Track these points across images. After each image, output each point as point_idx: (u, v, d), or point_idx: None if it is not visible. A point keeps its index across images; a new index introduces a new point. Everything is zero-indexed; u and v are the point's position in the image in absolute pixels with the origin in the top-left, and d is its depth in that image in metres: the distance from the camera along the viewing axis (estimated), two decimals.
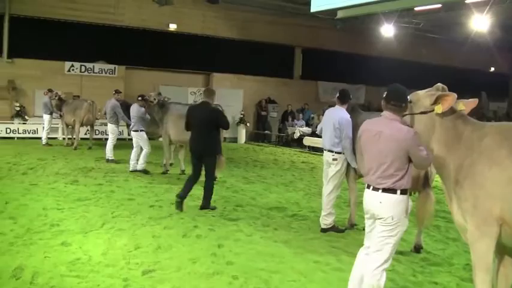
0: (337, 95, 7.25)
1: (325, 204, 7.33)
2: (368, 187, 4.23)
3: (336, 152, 7.17)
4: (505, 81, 31.86)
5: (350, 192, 7.72)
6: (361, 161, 4.41)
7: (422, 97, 4.19)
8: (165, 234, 6.78)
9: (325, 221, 7.37)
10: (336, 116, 7.11)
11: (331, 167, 7.26)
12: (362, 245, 4.45)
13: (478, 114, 4.81)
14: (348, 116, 7.09)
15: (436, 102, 4.06)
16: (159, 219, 7.58)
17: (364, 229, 7.29)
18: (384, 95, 4.18)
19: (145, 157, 12.02)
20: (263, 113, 24.31)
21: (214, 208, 8.44)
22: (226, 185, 10.95)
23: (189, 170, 12.29)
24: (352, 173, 7.49)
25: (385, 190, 4.08)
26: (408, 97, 4.15)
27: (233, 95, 23.28)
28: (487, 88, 28.13)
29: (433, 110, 4.07)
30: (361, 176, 7.32)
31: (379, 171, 4.11)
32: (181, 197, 8.25)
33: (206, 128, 8.22)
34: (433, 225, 7.85)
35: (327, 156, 7.27)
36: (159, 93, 12.60)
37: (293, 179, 12.48)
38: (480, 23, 16.63)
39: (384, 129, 4.10)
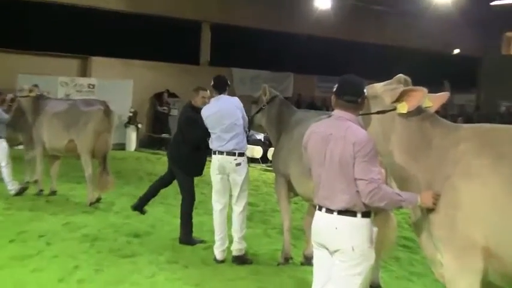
0: (212, 83, 7.87)
1: (239, 224, 7.67)
2: (319, 209, 4.25)
3: (239, 154, 7.60)
4: (472, 67, 31.91)
5: (282, 214, 7.78)
6: (307, 179, 4.45)
7: (380, 92, 4.29)
8: (33, 280, 6.55)
9: (240, 245, 7.69)
10: (229, 106, 7.68)
11: (235, 174, 7.60)
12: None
13: (439, 111, 4.98)
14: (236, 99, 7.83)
15: (399, 99, 4.17)
16: (25, 259, 7.33)
17: (302, 263, 7.53)
18: (335, 89, 4.24)
19: (10, 175, 11.73)
20: (162, 109, 24.27)
21: (196, 242, 8.57)
22: (114, 209, 10.81)
23: (58, 189, 12.16)
24: (283, 189, 7.62)
25: (341, 212, 4.13)
26: (365, 90, 4.24)
27: (119, 86, 23.04)
28: (450, 76, 27.44)
29: (394, 109, 4.18)
30: (296, 194, 7.49)
31: (332, 185, 4.15)
32: (137, 207, 9.15)
33: (177, 137, 8.79)
34: (392, 257, 8.07)
35: (226, 160, 7.58)
36: (36, 85, 12.29)
37: (204, 198, 12.37)
38: None
39: (333, 131, 4.15)
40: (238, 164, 7.55)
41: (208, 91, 8.41)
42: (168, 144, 12.25)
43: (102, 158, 11.24)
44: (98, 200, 11.07)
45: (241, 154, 7.60)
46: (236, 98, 7.85)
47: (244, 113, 7.73)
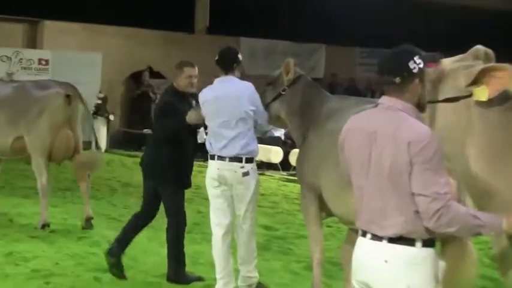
0: (216, 57, 7.87)
1: (247, 253, 7.82)
2: (363, 234, 4.24)
3: (246, 160, 7.64)
4: None
5: (311, 242, 7.79)
6: (347, 193, 4.41)
7: (450, 72, 4.29)
8: None
9: (250, 280, 7.85)
10: (236, 92, 7.72)
11: (240, 187, 7.67)
12: None
13: None
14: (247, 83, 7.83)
15: (476, 81, 4.17)
16: None
17: None
18: (378, 64, 4.21)
19: None
20: (141, 91, 24.34)
21: (191, 281, 8.44)
22: (77, 233, 10.88)
23: (7, 207, 12.26)
24: (312, 207, 7.59)
25: (393, 240, 4.12)
26: (417, 65, 4.16)
27: (83, 62, 23.28)
28: None
29: (470, 95, 4.18)
30: (330, 214, 7.49)
31: (380, 203, 4.13)
32: (115, 253, 8.39)
33: (155, 134, 8.69)
34: None
35: (229, 169, 7.63)
36: None
37: (201, 219, 12.43)
38: None
39: (381, 127, 4.12)
40: (245, 174, 7.59)
41: (196, 68, 8.34)
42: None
43: (76, 166, 11.35)
44: (88, 220, 11.13)
45: (250, 160, 7.65)
46: (248, 84, 7.81)
47: (261, 106, 7.70)
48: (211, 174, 7.66)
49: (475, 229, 3.95)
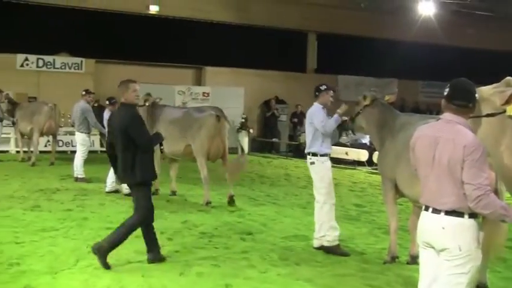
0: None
1: (320, 219, 8.04)
2: (426, 209, 4.20)
3: (312, 154, 7.97)
4: None
5: (389, 216, 7.72)
6: (414, 182, 4.38)
7: (488, 95, 4.20)
8: (157, 273, 6.76)
9: (327, 237, 7.96)
10: (308, 113, 8.16)
11: (312, 174, 8.08)
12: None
13: None
14: (316, 106, 8.06)
15: (508, 101, 4.06)
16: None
17: (408, 263, 7.42)
18: (446, 93, 4.17)
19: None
20: (270, 113, 24.40)
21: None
22: (228, 208, 10.99)
23: (182, 191, 12.49)
24: (390, 192, 7.51)
25: (448, 213, 4.06)
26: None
27: (231, 94, 23.50)
28: None
29: (504, 112, 4.07)
30: (402, 195, 7.39)
31: (439, 187, 4.09)
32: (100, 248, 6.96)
33: (121, 143, 7.06)
34: (499, 258, 7.77)
35: (307, 160, 8.09)
36: (149, 94, 12.61)
37: (311, 199, 12.38)
38: None
39: (443, 134, 4.09)
40: (311, 163, 7.99)
41: (137, 83, 7.19)
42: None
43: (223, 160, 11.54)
44: (231, 198, 11.27)
45: (314, 154, 7.96)
46: (314, 105, 8.08)
47: (316, 119, 7.93)
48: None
49: (501, 217, 3.96)
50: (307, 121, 8.21)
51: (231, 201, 11.20)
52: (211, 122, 11.26)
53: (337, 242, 7.93)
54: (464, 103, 4.09)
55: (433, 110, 24.89)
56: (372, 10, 22.89)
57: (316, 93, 8.13)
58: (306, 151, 8.17)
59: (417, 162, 4.30)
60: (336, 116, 8.02)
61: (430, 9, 19.55)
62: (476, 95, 4.12)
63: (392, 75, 26.95)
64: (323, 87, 8.14)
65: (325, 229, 7.94)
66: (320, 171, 7.94)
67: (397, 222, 7.63)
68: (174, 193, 12.24)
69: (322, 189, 7.96)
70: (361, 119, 8.04)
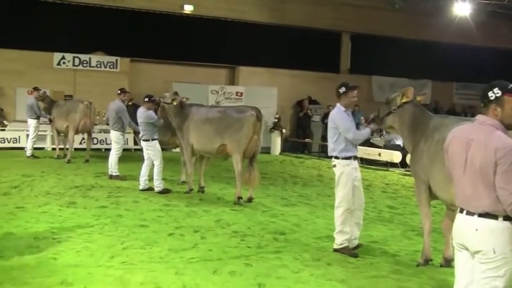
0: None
1: (335, 221, 7.98)
2: (461, 211, 4.19)
3: (334, 157, 7.94)
4: None
5: (422, 218, 7.65)
6: (448, 185, 4.36)
7: None
8: (191, 271, 6.81)
9: (336, 240, 7.96)
10: (330, 115, 8.04)
11: (335, 176, 7.96)
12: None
13: None
14: (338, 109, 7.93)
15: None
16: (182, 251, 7.63)
17: (441, 265, 7.37)
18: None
19: (159, 174, 12.16)
20: (303, 113, 24.31)
21: None
22: (261, 208, 11.00)
23: (210, 189, 12.55)
24: (423, 194, 7.43)
25: (482, 215, 4.05)
26: (494, 94, 4.09)
27: (265, 94, 23.54)
28: None
29: None
30: (435, 198, 7.33)
31: (472, 189, 4.08)
32: None
33: None
34: None
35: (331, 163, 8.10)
36: (176, 93, 12.69)
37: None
38: None
39: (475, 137, 4.09)
40: (333, 166, 7.97)
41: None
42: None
43: (250, 157, 11.48)
44: (250, 200, 11.37)
45: (336, 157, 7.91)
46: (337, 106, 7.98)
47: (341, 125, 7.80)
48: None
49: None
50: (329, 124, 8.04)
51: (248, 201, 11.40)
52: (252, 121, 11.32)
53: (346, 244, 7.88)
54: (480, 103, 4.15)
55: (468, 113, 24.64)
56: (407, 11, 22.67)
57: (338, 94, 8.00)
58: (328, 154, 8.19)
59: (451, 164, 4.32)
60: (368, 129, 8.05)
61: (466, 10, 19.28)
62: (491, 94, 4.09)
63: (426, 76, 26.71)
64: (342, 90, 7.93)
65: (335, 232, 7.96)
66: (340, 174, 7.86)
67: (430, 225, 7.53)
68: (202, 188, 12.30)
69: (338, 192, 7.90)
70: (393, 118, 7.79)
